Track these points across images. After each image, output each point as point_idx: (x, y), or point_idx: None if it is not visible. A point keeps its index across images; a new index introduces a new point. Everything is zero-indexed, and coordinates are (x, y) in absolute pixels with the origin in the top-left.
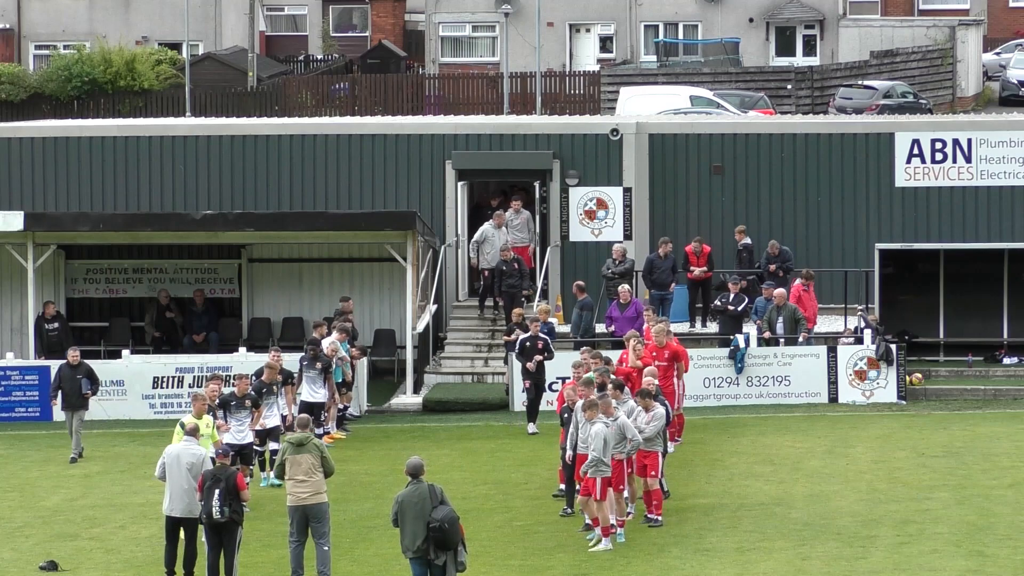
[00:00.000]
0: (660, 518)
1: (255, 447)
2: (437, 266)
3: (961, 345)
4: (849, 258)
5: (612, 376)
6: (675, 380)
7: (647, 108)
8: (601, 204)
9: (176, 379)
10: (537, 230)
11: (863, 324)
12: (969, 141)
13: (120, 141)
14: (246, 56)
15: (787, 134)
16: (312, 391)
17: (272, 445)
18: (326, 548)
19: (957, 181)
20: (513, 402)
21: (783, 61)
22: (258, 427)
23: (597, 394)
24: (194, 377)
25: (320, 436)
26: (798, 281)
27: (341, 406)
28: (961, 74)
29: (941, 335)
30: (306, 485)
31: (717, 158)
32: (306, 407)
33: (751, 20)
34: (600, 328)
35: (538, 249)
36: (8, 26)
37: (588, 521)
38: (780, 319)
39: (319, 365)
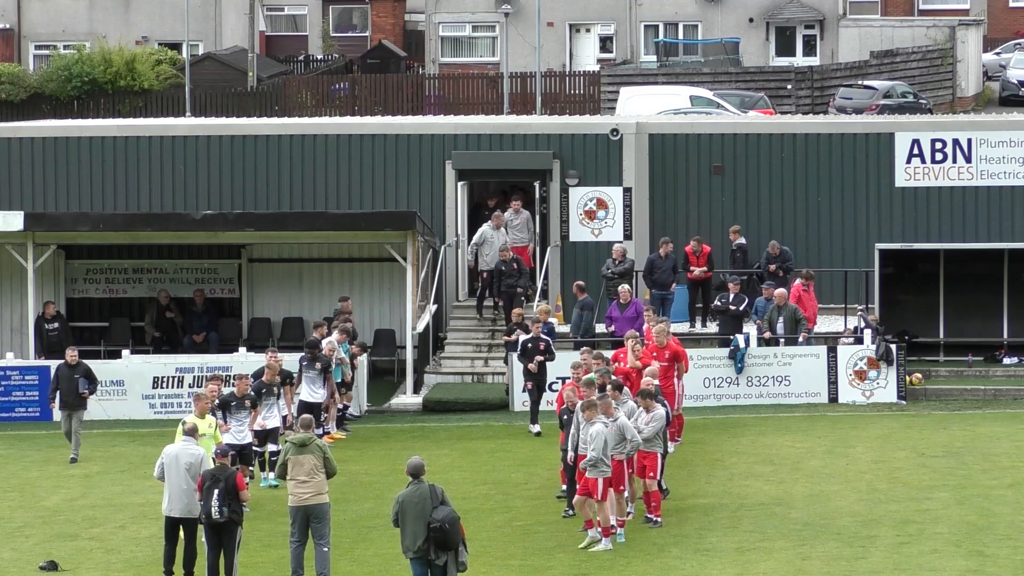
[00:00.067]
0: (660, 519)
1: (254, 447)
2: (437, 266)
3: (961, 345)
4: (849, 258)
5: (612, 377)
6: (675, 380)
7: (647, 108)
8: (601, 204)
9: (176, 379)
10: (537, 230)
11: (863, 324)
12: (969, 141)
13: (120, 141)
14: (246, 56)
15: (787, 134)
16: (312, 391)
17: (271, 447)
18: (325, 549)
19: (957, 181)
20: (513, 402)
21: (783, 61)
22: (257, 427)
23: (597, 395)
24: (194, 377)
25: (320, 436)
26: (798, 281)
27: (341, 405)
28: (961, 74)
29: (941, 335)
30: (308, 486)
31: (717, 158)
32: (305, 407)
33: (751, 20)
34: (600, 328)
35: (538, 249)
36: (8, 26)
37: (587, 519)
38: (780, 319)
39: (318, 365)
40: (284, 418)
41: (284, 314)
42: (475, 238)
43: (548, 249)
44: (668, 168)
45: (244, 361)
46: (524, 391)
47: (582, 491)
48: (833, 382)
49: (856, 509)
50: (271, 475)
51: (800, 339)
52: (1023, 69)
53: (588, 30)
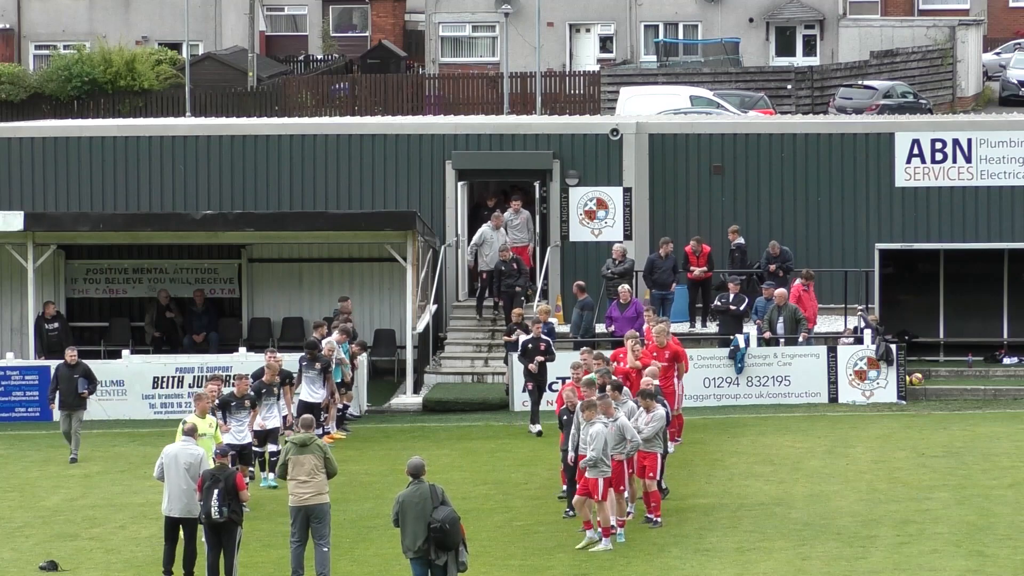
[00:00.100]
0: (659, 519)
1: (254, 448)
2: (437, 266)
3: (961, 345)
4: (849, 258)
5: (612, 377)
6: (675, 380)
7: (647, 108)
8: (601, 204)
9: (176, 379)
10: (537, 230)
11: (863, 324)
12: (969, 141)
13: (120, 141)
14: (246, 56)
15: (787, 134)
16: (311, 391)
17: (271, 447)
18: (325, 549)
19: (957, 181)
20: (513, 402)
21: (783, 61)
22: (257, 427)
23: (597, 395)
24: (194, 377)
25: (320, 436)
26: (798, 281)
27: (341, 405)
28: (961, 74)
29: (941, 335)
30: (308, 486)
31: (717, 158)
32: (305, 407)
33: (751, 20)
34: (600, 328)
35: (538, 249)
36: (8, 26)
37: (585, 520)
38: (781, 319)
39: (318, 366)
40: (284, 418)
41: (284, 314)
42: (475, 238)
43: (548, 249)
44: (668, 168)
45: (244, 361)
46: (524, 391)
47: (582, 491)
48: (833, 382)
49: (856, 509)
50: (271, 475)
51: (800, 339)
52: (1023, 69)
53: (588, 30)
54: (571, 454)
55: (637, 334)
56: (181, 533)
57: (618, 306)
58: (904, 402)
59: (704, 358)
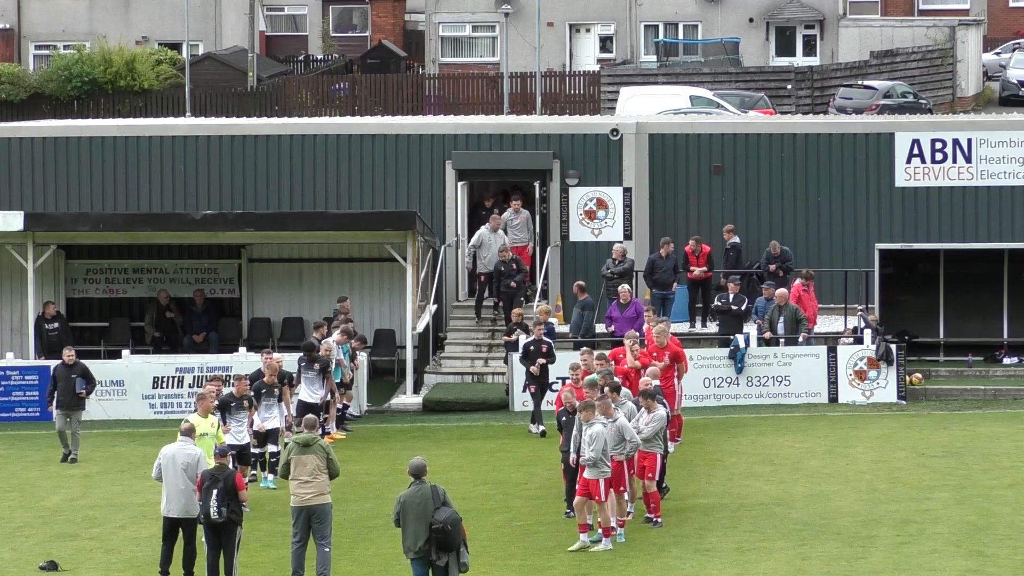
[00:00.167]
0: (659, 519)
1: (252, 448)
2: (437, 266)
3: (961, 345)
4: (849, 258)
5: (613, 378)
6: (675, 381)
7: (647, 108)
8: (601, 204)
9: (176, 379)
10: (537, 230)
11: (863, 324)
12: (969, 141)
13: (120, 141)
14: (246, 56)
15: (787, 134)
16: (311, 392)
17: (271, 447)
18: (327, 550)
19: (957, 181)
20: (513, 402)
21: (783, 61)
22: (256, 428)
23: (598, 395)
24: (194, 377)
25: (320, 436)
26: (798, 281)
27: (340, 405)
28: (961, 74)
29: (941, 335)
30: (310, 486)
31: (717, 158)
32: (305, 407)
33: (751, 20)
34: (600, 328)
35: (538, 249)
36: (8, 26)
37: (582, 523)
38: (781, 319)
39: (317, 366)
40: (284, 419)
41: (284, 314)
42: (473, 240)
43: (548, 249)
44: (668, 168)
45: (244, 361)
46: (524, 391)
47: (582, 491)
48: (833, 382)
49: (856, 509)
50: (270, 476)
51: (800, 339)
52: (1023, 69)
53: (588, 30)
54: (572, 455)
55: (637, 334)
56: (180, 533)
57: (618, 306)
58: (904, 402)
59: (704, 358)
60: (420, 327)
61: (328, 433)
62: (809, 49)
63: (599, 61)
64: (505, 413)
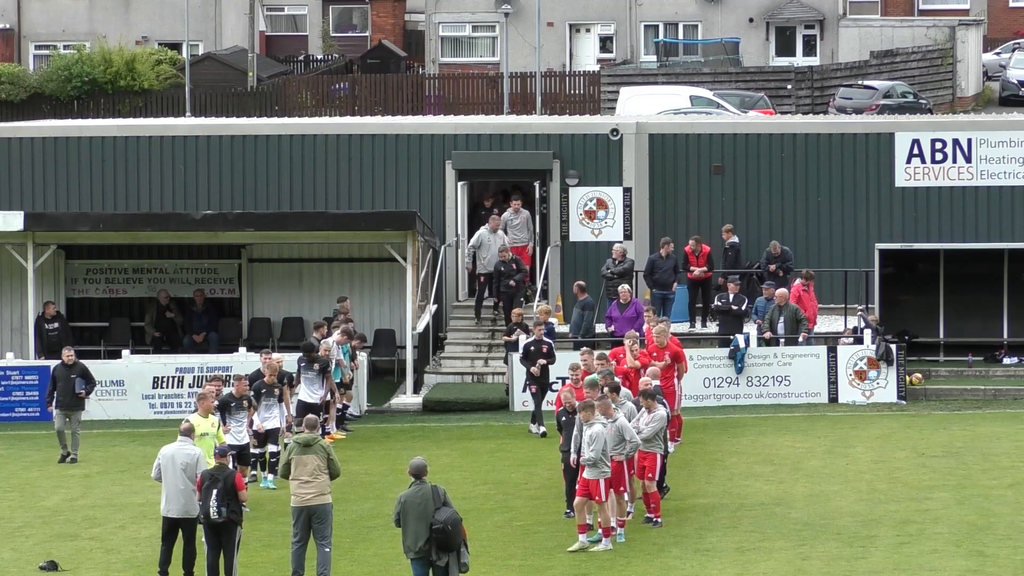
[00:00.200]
0: (659, 519)
1: (252, 448)
2: (437, 266)
3: (961, 345)
4: (849, 258)
5: (614, 378)
6: (675, 381)
7: (647, 108)
8: (601, 204)
9: (176, 379)
10: (537, 230)
11: (863, 324)
12: (969, 141)
13: (120, 141)
14: (246, 56)
15: (787, 134)
16: (310, 392)
17: (271, 447)
18: (327, 550)
19: (957, 181)
20: (513, 402)
21: (783, 61)
22: (255, 428)
23: (599, 396)
24: (194, 377)
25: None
26: (798, 281)
27: (340, 405)
28: (961, 74)
29: (941, 335)
30: (311, 486)
31: (717, 158)
32: (305, 408)
33: (751, 20)
34: (600, 328)
35: (538, 249)
36: (8, 26)
37: (581, 523)
38: (782, 319)
39: (316, 367)
40: (285, 419)
41: (284, 314)
42: (472, 241)
43: (548, 249)
44: (668, 168)
45: (244, 361)
46: (524, 391)
47: (582, 492)
48: (833, 382)
49: (856, 509)
50: (270, 476)
51: (800, 339)
52: (1023, 69)
53: (588, 30)
54: (573, 456)
55: (637, 334)
56: (180, 533)
57: (618, 306)
58: (904, 402)
59: (704, 358)
60: (420, 327)
61: (328, 433)
62: (809, 49)
63: (599, 61)
64: (505, 413)
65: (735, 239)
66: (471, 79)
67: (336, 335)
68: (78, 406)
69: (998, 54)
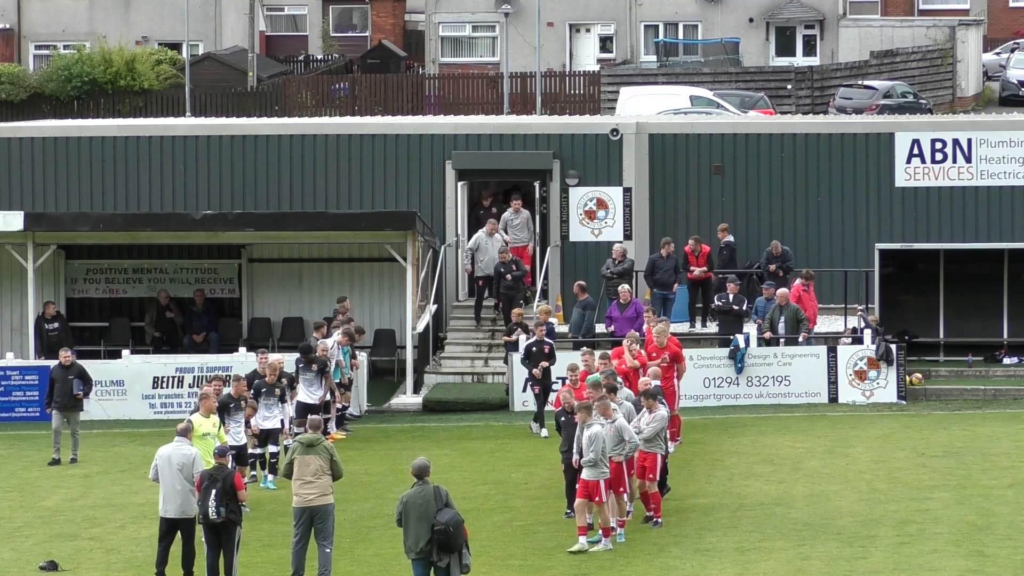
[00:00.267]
0: (660, 519)
1: (253, 448)
2: (437, 266)
3: (961, 345)
4: (849, 258)
5: (617, 379)
6: (675, 381)
7: (647, 108)
8: (601, 204)
9: (176, 379)
10: (537, 230)
11: (863, 324)
12: (969, 141)
13: (120, 141)
14: (246, 56)
15: (787, 134)
16: (309, 393)
17: (272, 448)
18: (328, 550)
19: (957, 181)
20: (513, 402)
21: (783, 61)
22: (252, 429)
23: (599, 396)
24: (194, 377)
25: None
26: (798, 281)
27: (340, 406)
28: (961, 74)
29: (941, 335)
30: (313, 486)
31: (717, 158)
32: (304, 409)
33: (751, 20)
34: (600, 328)
35: (538, 249)
36: (8, 26)
37: (582, 525)
38: (782, 319)
39: (314, 367)
40: (282, 421)
41: (284, 314)
42: (469, 244)
43: (548, 249)
44: (668, 168)
45: (244, 361)
46: (524, 391)
47: (581, 493)
48: (833, 382)
49: (856, 509)
50: (271, 476)
51: (800, 339)
52: (1023, 69)
53: (588, 30)
54: (575, 456)
55: (637, 335)
56: (179, 534)
57: (618, 306)
58: (904, 402)
59: (704, 358)
60: (420, 327)
61: (328, 433)
62: (809, 49)
63: (599, 61)
64: (505, 413)
65: (730, 238)
66: (471, 79)
67: (338, 336)
68: (76, 407)
69: (998, 54)
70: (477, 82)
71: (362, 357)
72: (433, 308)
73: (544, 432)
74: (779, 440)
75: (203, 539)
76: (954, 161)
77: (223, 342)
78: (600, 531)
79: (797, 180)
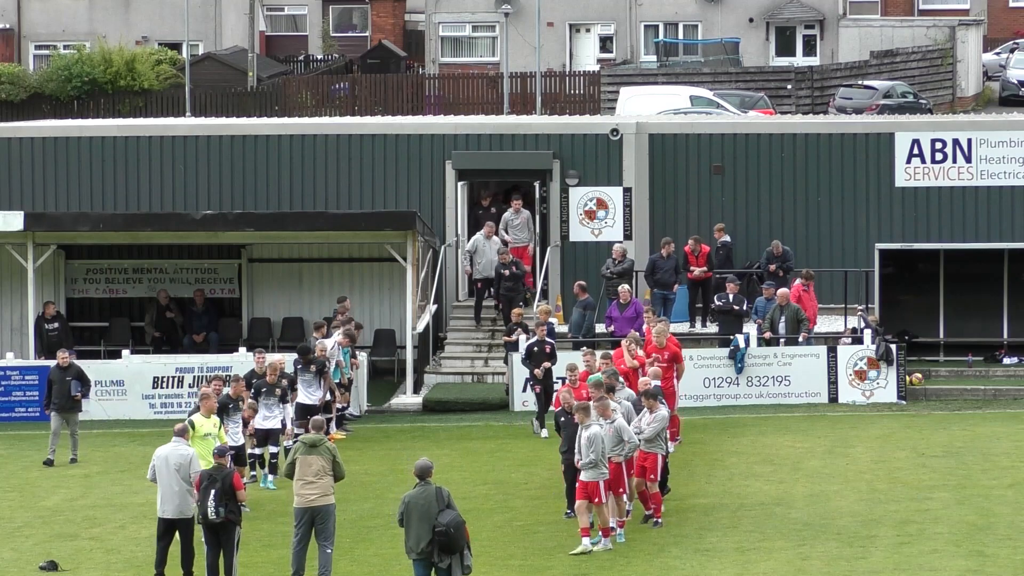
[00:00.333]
0: (660, 519)
1: (253, 448)
2: (437, 266)
3: (961, 345)
4: (849, 258)
5: (619, 379)
6: (675, 381)
7: (647, 108)
8: (601, 204)
9: (176, 379)
10: (537, 230)
11: (863, 324)
12: (969, 141)
13: (120, 141)
14: (246, 56)
15: (787, 134)
16: (308, 394)
17: (272, 448)
18: (329, 551)
19: (957, 181)
20: (513, 402)
21: (783, 61)
22: (257, 427)
23: (599, 396)
24: (194, 377)
25: None
26: (798, 281)
27: (339, 406)
28: (961, 74)
29: (941, 335)
30: (314, 487)
31: (717, 158)
32: (304, 409)
33: (751, 20)
34: (600, 328)
35: (538, 249)
36: (8, 26)
37: (584, 526)
38: (783, 319)
39: (313, 368)
40: (282, 421)
41: (284, 314)
42: (467, 246)
43: (548, 249)
44: (668, 168)
45: (244, 361)
46: (524, 391)
47: (581, 494)
48: (833, 382)
49: (856, 509)
50: (271, 476)
51: (800, 339)
52: (1023, 69)
53: (588, 30)
54: (578, 457)
55: (637, 335)
56: (178, 534)
57: (618, 306)
58: (904, 402)
59: (704, 358)
60: (420, 327)
61: (328, 433)
62: (809, 49)
63: (599, 61)
64: (505, 413)
65: (727, 238)
66: (471, 79)
67: (339, 337)
68: (74, 408)
69: (998, 54)
70: (477, 82)
71: (362, 357)
72: (433, 308)
73: (544, 432)
74: (779, 440)
75: (203, 539)
76: (954, 161)
77: (223, 342)
78: (600, 531)
79: (797, 180)
